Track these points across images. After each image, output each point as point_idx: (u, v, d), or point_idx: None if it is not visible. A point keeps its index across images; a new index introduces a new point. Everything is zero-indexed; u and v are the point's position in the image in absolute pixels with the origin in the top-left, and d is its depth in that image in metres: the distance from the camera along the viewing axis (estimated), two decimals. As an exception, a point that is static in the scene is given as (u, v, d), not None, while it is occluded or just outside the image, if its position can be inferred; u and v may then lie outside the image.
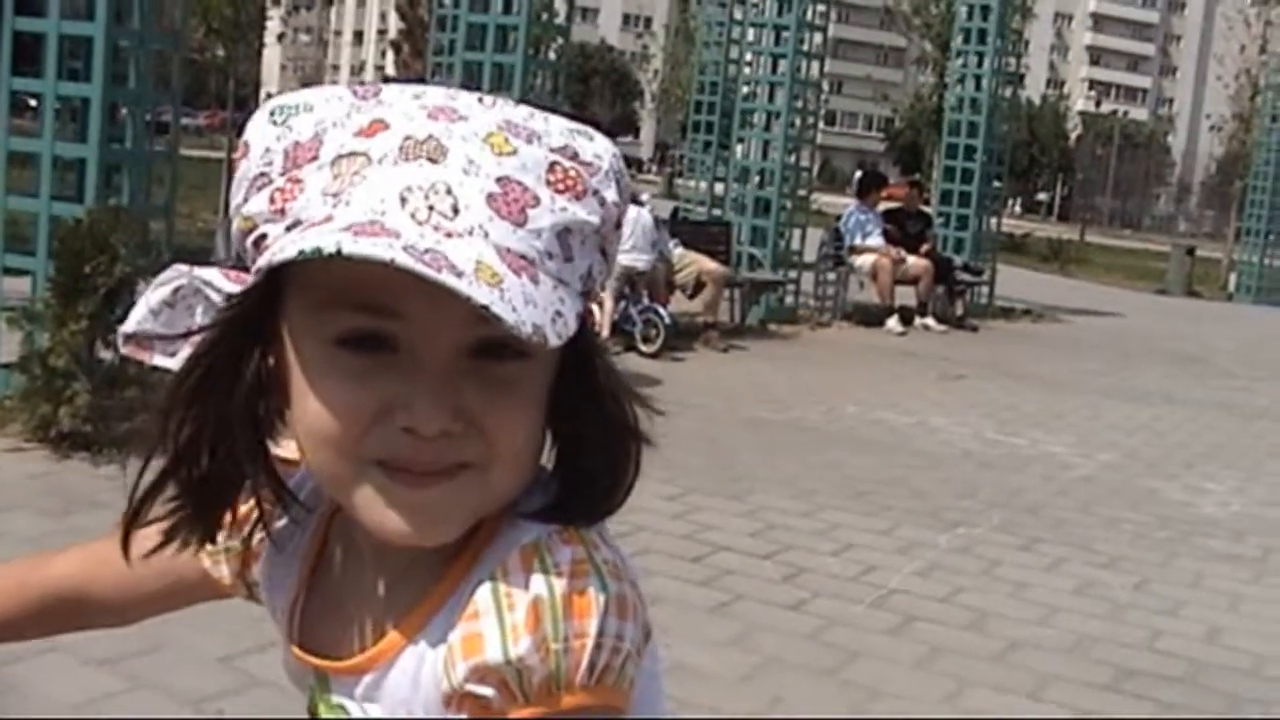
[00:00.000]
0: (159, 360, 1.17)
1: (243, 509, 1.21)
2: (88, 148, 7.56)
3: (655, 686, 1.18)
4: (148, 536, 1.19)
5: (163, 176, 8.45)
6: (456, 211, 0.98)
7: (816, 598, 5.88)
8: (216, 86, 30.71)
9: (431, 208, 0.98)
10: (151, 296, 1.18)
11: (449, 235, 0.97)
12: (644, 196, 13.87)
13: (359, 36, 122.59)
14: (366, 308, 1.00)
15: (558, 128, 1.07)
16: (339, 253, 0.92)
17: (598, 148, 1.07)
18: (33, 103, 9.88)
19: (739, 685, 4.85)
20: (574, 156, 1.05)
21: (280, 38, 32.76)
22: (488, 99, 1.07)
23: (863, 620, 5.66)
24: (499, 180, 1.01)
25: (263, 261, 1.01)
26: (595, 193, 1.05)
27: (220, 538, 1.23)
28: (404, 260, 0.92)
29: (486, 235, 0.98)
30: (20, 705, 4.09)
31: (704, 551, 6.36)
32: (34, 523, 5.65)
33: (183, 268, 1.17)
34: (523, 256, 0.99)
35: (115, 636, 4.42)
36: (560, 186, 1.03)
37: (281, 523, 1.22)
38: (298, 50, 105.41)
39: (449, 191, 0.99)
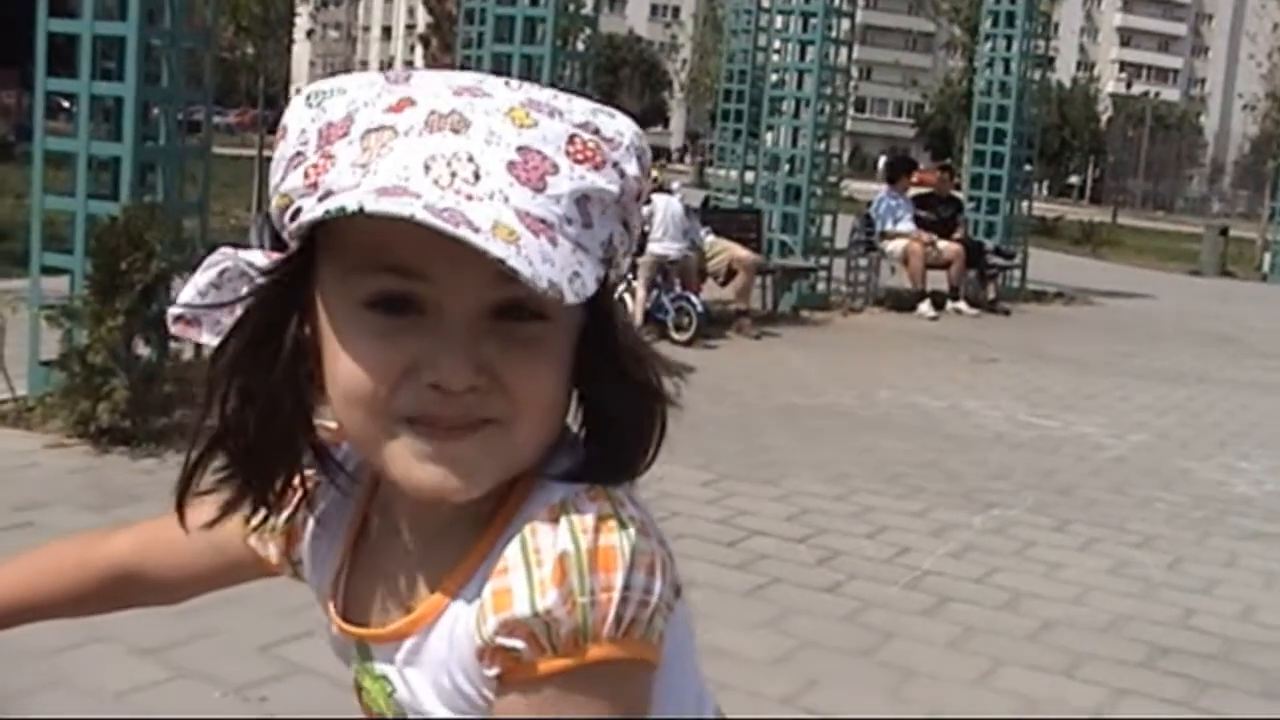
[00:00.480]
0: (206, 338, 1.22)
1: (286, 489, 1.24)
2: (122, 146, 7.64)
3: (688, 645, 1.22)
4: (204, 512, 1.24)
5: (196, 174, 8.54)
6: (478, 178, 1.02)
7: (851, 580, 5.91)
8: (247, 85, 30.77)
9: (454, 174, 1.02)
10: (199, 279, 1.22)
11: (469, 198, 1.01)
12: (674, 185, 13.87)
13: (387, 32, 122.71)
14: (393, 269, 1.04)
15: (580, 106, 1.11)
16: (361, 210, 0.97)
17: (619, 125, 1.11)
18: (66, 104, 9.98)
19: (775, 667, 4.88)
20: (595, 131, 1.09)
21: (309, 34, 32.84)
22: (514, 82, 1.11)
23: (897, 601, 5.69)
24: (519, 149, 1.05)
25: (294, 225, 1.07)
26: (615, 165, 1.09)
27: (268, 517, 1.26)
28: (423, 216, 0.96)
29: (506, 200, 1.02)
30: (67, 694, 4.15)
31: (739, 536, 6.39)
32: (75, 517, 5.72)
33: (228, 250, 1.22)
34: (541, 220, 1.03)
35: (160, 626, 4.49)
36: (579, 157, 1.07)
37: (324, 501, 1.27)
38: (327, 46, 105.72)
39: (471, 159, 1.03)
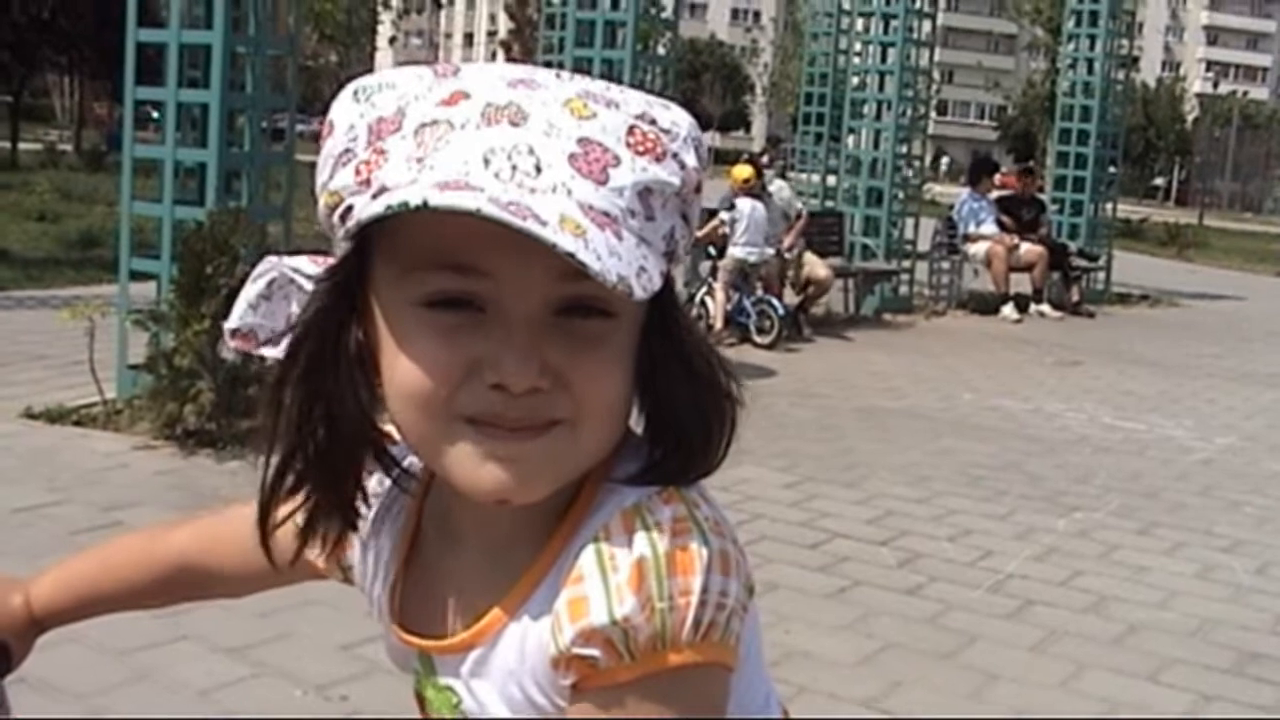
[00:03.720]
0: (265, 351, 1.21)
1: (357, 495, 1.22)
2: (208, 153, 7.74)
3: (757, 645, 1.20)
4: (286, 531, 1.22)
5: (279, 181, 8.63)
6: (539, 170, 1.00)
7: (933, 582, 5.88)
8: (330, 92, 31.09)
9: (515, 167, 0.99)
10: (249, 290, 1.22)
11: (532, 191, 0.98)
12: (774, 185, 13.76)
13: (469, 39, 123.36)
14: (453, 267, 1.01)
15: (635, 98, 1.08)
16: (425, 205, 0.94)
17: (675, 116, 1.09)
18: (155, 115, 10.11)
19: (857, 669, 4.86)
20: (653, 122, 1.07)
21: (391, 41, 33.14)
22: (565, 74, 1.09)
23: (980, 604, 5.65)
24: (580, 141, 1.02)
25: (351, 223, 1.04)
26: (675, 156, 1.06)
27: (345, 529, 1.23)
28: (489, 210, 0.93)
29: (570, 193, 0.99)
30: (151, 690, 4.20)
31: (821, 538, 6.37)
32: (162, 517, 5.76)
33: (273, 259, 1.21)
34: (605, 213, 1.00)
35: (243, 626, 4.56)
36: (640, 148, 1.05)
37: (373, 508, 1.24)
38: (409, 53, 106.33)
39: (531, 152, 1.00)
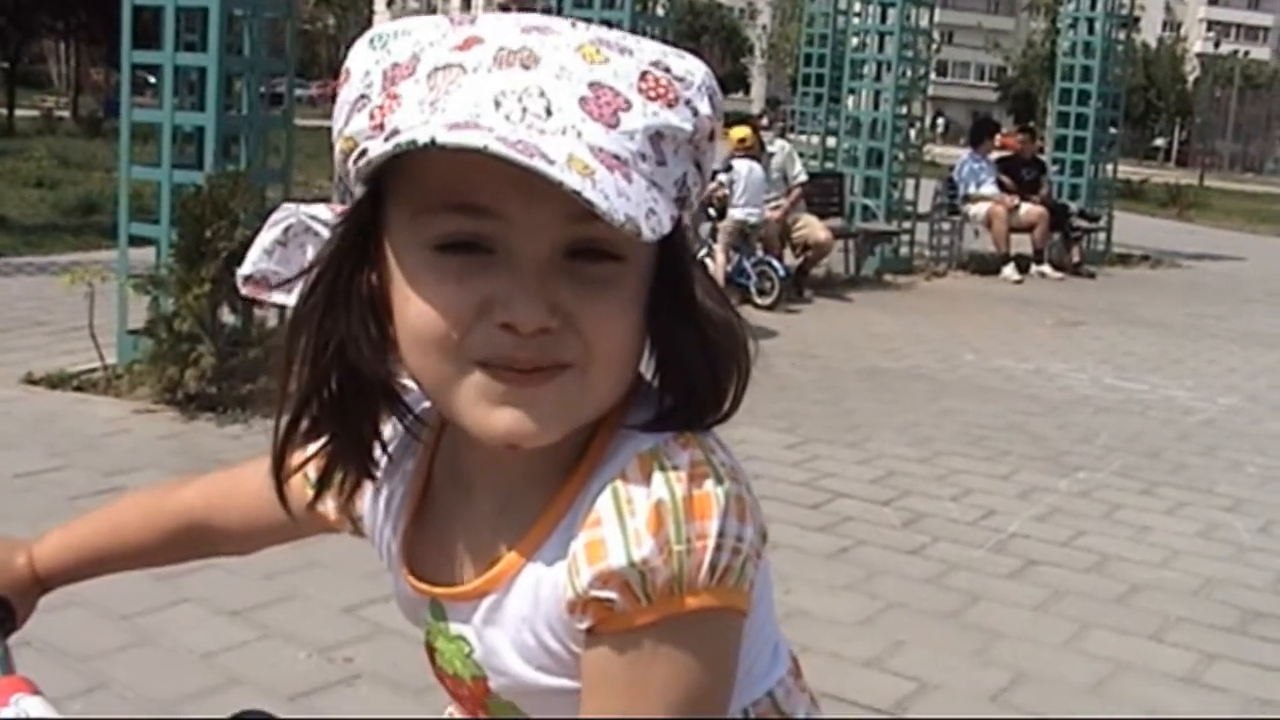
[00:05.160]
0: (278, 297, 1.22)
1: (374, 443, 1.22)
2: (206, 116, 7.71)
3: (768, 594, 1.21)
4: (298, 481, 1.23)
5: (278, 145, 8.59)
6: (550, 113, 1.00)
7: (936, 542, 5.88)
8: (328, 56, 31.04)
9: (525, 109, 1.00)
10: (264, 237, 1.22)
11: (542, 133, 0.98)
12: (775, 145, 13.74)
13: (467, 3, 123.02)
14: (464, 208, 1.01)
15: (650, 46, 1.08)
16: (433, 143, 0.94)
17: (690, 65, 1.09)
18: (151, 80, 10.09)
19: (860, 629, 4.87)
20: (666, 69, 1.06)
21: (390, 3, 33.01)
22: (580, 24, 1.09)
23: (983, 564, 5.65)
24: (591, 85, 1.02)
25: (362, 163, 1.04)
26: (688, 103, 1.06)
27: (362, 478, 1.23)
28: (496, 147, 0.93)
29: (580, 135, 1.00)
30: (153, 653, 4.21)
31: (824, 498, 6.37)
32: (163, 481, 5.78)
33: (290, 206, 1.22)
34: (615, 156, 1.00)
35: (246, 588, 4.56)
36: (652, 94, 1.04)
37: (385, 457, 1.23)
38: (407, 16, 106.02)
39: (542, 94, 1.01)
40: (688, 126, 1.06)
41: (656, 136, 1.04)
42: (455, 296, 1.03)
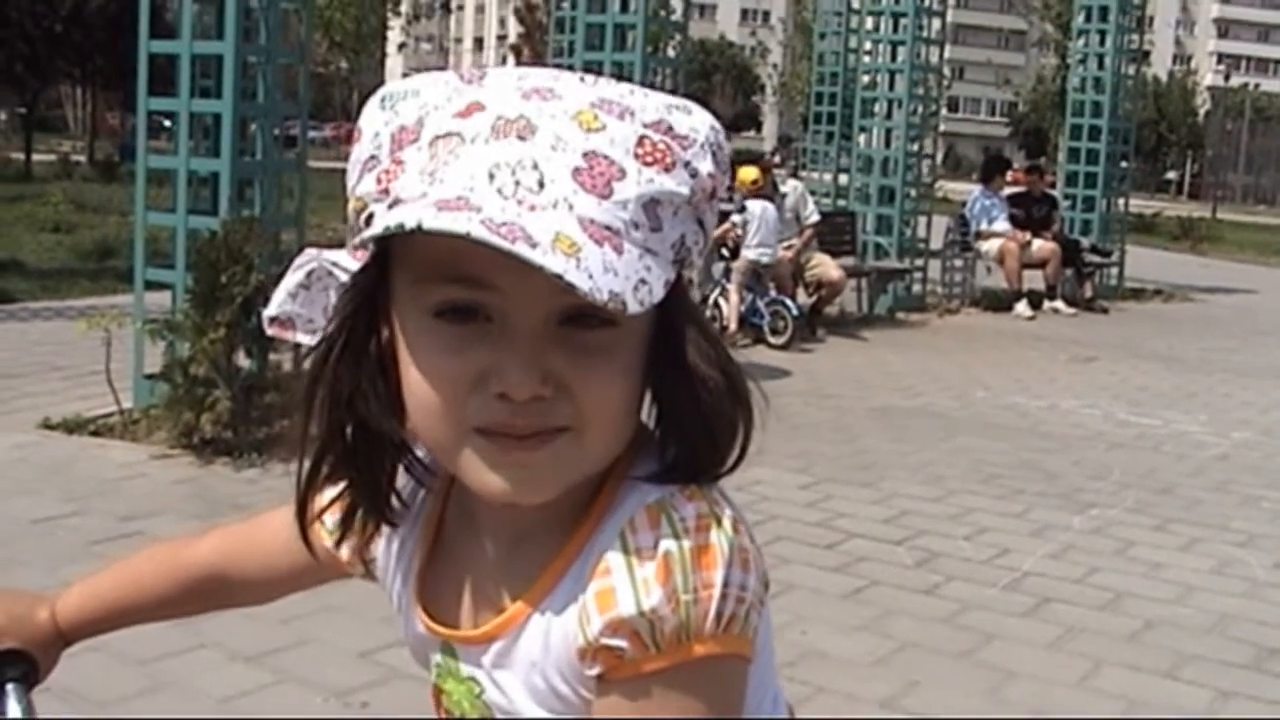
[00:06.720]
0: (302, 338, 1.26)
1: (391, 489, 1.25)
2: (221, 162, 7.76)
3: (769, 642, 1.23)
4: (320, 525, 1.28)
5: (292, 188, 8.65)
6: (542, 186, 1.02)
7: (950, 581, 5.88)
8: (341, 99, 31.19)
9: (518, 183, 1.02)
10: (289, 280, 1.26)
11: (532, 209, 1.00)
12: (788, 185, 13.82)
13: (479, 43, 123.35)
14: (460, 280, 1.04)
15: (655, 103, 1.10)
16: (419, 227, 0.97)
17: (695, 121, 1.10)
18: (166, 123, 10.16)
19: (875, 669, 4.87)
20: (667, 130, 1.08)
21: (401, 47, 33.23)
22: (590, 78, 1.10)
23: (997, 603, 5.65)
24: (585, 155, 1.04)
25: (360, 238, 1.07)
26: (686, 164, 1.08)
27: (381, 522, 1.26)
28: (479, 233, 0.95)
29: (571, 208, 1.02)
30: (171, 699, 4.22)
31: (837, 538, 6.38)
32: (180, 526, 5.81)
33: (313, 251, 1.25)
34: (607, 227, 1.02)
35: (262, 633, 4.57)
36: (649, 159, 1.06)
37: (399, 502, 1.26)
38: (419, 59, 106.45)
39: (535, 167, 1.02)
40: (684, 190, 1.07)
41: (651, 203, 1.05)
42: (452, 367, 1.06)
